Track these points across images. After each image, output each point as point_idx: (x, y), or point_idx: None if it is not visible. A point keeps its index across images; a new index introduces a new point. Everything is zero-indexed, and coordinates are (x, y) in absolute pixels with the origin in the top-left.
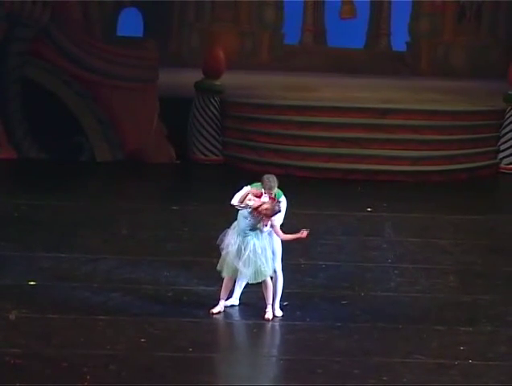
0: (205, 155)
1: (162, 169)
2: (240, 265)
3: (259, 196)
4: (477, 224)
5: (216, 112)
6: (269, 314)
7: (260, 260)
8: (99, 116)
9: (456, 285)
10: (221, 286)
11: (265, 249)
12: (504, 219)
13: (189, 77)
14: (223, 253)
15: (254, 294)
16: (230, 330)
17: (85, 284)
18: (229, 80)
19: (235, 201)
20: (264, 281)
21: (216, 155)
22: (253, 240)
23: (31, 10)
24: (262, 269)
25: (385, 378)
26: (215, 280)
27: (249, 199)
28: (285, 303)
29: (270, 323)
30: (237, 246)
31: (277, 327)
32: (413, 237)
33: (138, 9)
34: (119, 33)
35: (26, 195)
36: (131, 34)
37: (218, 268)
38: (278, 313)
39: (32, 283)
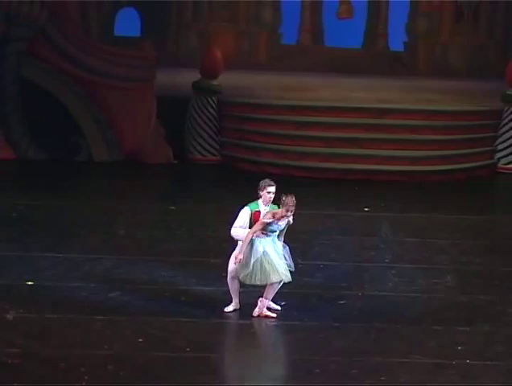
0: (203, 155)
1: (159, 169)
2: (278, 268)
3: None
4: (475, 224)
5: (213, 113)
6: (260, 306)
7: (282, 260)
8: (96, 116)
9: (453, 285)
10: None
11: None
12: (501, 219)
13: (187, 77)
14: (251, 263)
15: (253, 294)
16: (228, 330)
17: (83, 284)
18: (227, 80)
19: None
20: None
21: (214, 155)
22: (273, 244)
23: (29, 9)
24: (288, 267)
25: (383, 378)
26: (212, 280)
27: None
28: (283, 303)
29: (268, 323)
30: (262, 252)
31: (274, 327)
32: (410, 237)
33: (136, 9)
34: (117, 33)
35: (23, 195)
36: (129, 34)
37: (249, 281)
38: (273, 307)
39: (30, 283)
